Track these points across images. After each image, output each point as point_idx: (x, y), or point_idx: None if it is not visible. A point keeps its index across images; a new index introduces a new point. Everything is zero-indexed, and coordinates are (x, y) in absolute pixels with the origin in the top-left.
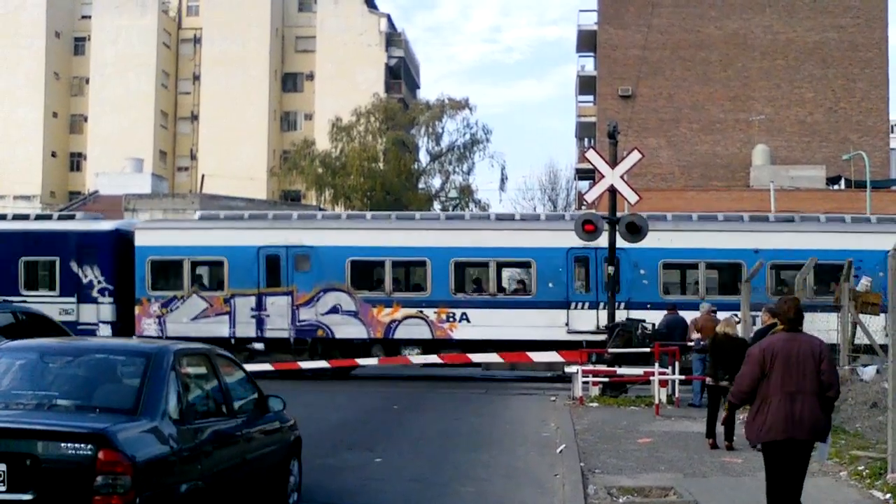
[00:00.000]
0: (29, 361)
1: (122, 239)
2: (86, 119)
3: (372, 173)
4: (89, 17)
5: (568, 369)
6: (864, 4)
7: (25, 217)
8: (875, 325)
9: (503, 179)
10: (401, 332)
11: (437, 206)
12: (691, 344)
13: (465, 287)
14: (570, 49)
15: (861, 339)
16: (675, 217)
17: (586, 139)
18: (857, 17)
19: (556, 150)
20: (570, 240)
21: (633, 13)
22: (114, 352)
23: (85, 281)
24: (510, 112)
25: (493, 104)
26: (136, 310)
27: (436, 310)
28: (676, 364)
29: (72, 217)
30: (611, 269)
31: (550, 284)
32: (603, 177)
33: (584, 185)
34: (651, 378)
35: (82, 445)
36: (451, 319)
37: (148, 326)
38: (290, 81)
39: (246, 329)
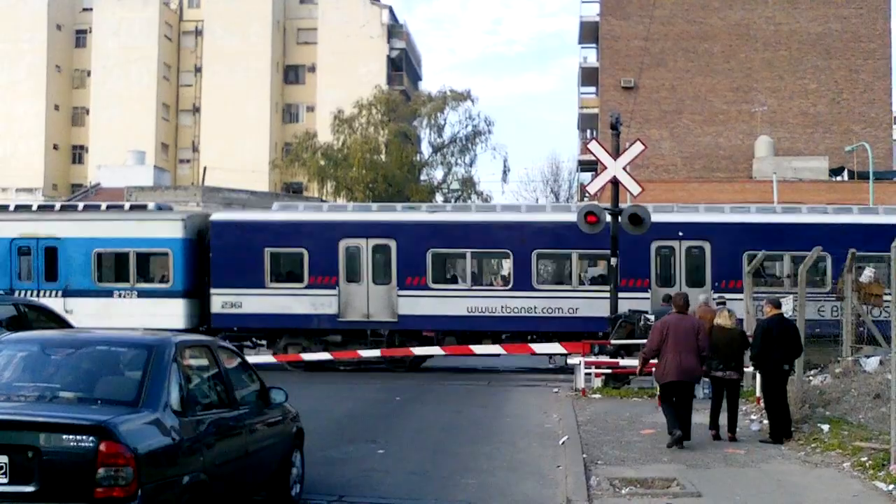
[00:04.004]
0: (31, 353)
1: None
2: (87, 111)
3: (374, 165)
4: (90, 9)
5: (570, 361)
6: None
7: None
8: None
9: (505, 171)
10: None
11: (438, 197)
12: None
13: None
14: (572, 41)
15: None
16: None
17: (588, 131)
18: (860, 8)
19: (559, 141)
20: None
21: (635, 4)
22: (115, 343)
23: None
24: (512, 104)
25: (496, 96)
26: None
27: None
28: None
29: None
30: (614, 261)
31: None
32: (605, 168)
33: (587, 176)
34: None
35: (84, 437)
36: None
37: None
38: (291, 73)
39: None
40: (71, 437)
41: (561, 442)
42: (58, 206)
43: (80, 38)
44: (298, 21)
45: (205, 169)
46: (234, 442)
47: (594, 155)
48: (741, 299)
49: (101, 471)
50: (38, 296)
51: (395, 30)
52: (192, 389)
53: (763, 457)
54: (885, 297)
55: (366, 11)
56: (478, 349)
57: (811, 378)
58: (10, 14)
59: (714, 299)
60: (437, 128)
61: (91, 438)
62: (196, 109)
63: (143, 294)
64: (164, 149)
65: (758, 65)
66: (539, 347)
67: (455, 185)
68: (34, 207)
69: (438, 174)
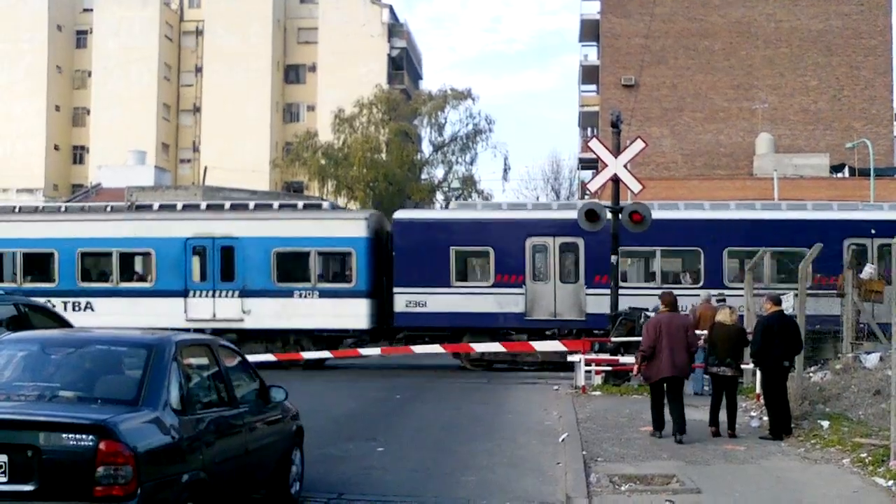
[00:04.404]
0: (31, 353)
1: None
2: (88, 112)
3: (375, 164)
4: (91, 9)
5: (571, 358)
6: None
7: None
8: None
9: (506, 170)
10: None
11: (439, 196)
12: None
13: None
14: (572, 39)
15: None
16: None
17: (589, 129)
18: (861, 5)
19: (559, 140)
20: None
21: (636, 2)
22: (115, 343)
23: None
24: (512, 102)
25: (496, 94)
26: None
27: None
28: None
29: None
30: (614, 259)
31: None
32: (606, 166)
33: (587, 174)
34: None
35: (84, 436)
36: None
37: None
38: (292, 73)
39: None
40: (71, 435)
41: (561, 439)
42: (227, 204)
43: (81, 38)
44: (299, 20)
45: (205, 169)
46: (234, 440)
47: (595, 153)
48: None
49: (100, 469)
50: (213, 296)
51: (395, 29)
52: (192, 388)
53: (763, 453)
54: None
55: (366, 10)
56: (477, 346)
57: (811, 374)
58: (10, 14)
59: (714, 296)
60: (438, 126)
61: (91, 437)
62: (197, 109)
63: (324, 294)
64: (165, 149)
65: (758, 62)
66: (539, 345)
67: (456, 184)
68: (203, 206)
69: (439, 173)
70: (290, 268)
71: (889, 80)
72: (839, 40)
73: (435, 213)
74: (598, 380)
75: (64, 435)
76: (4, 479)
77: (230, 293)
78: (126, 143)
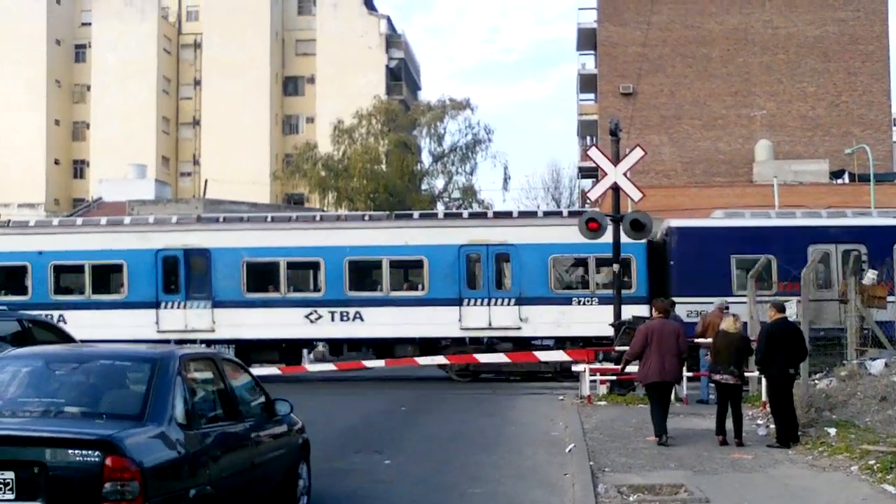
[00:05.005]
0: (35, 368)
1: None
2: (88, 126)
3: (375, 175)
4: (89, 24)
5: (575, 368)
6: None
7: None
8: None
9: (506, 179)
10: None
11: (439, 206)
12: (699, 341)
13: None
14: (570, 48)
15: None
16: None
17: (588, 137)
18: (858, 11)
19: (559, 148)
20: None
21: (632, 10)
22: (119, 358)
23: None
24: (511, 112)
25: (494, 104)
26: None
27: None
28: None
29: None
30: (616, 268)
31: None
32: (606, 174)
33: (587, 183)
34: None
35: (90, 452)
36: None
37: None
38: (291, 85)
39: None
40: (77, 451)
41: (567, 450)
42: (490, 212)
43: (80, 52)
44: (297, 32)
45: (206, 182)
46: (240, 454)
47: (594, 161)
48: None
49: (107, 485)
50: (489, 305)
51: (393, 40)
52: (197, 402)
53: (770, 461)
54: (889, 299)
55: (364, 22)
56: (481, 357)
57: (816, 382)
58: (9, 29)
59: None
60: (437, 137)
61: (97, 453)
62: (196, 122)
63: (604, 301)
64: (165, 162)
65: (756, 69)
66: (544, 355)
67: (456, 194)
68: (464, 215)
69: (439, 183)
70: (568, 274)
71: (886, 86)
72: (836, 46)
73: (712, 220)
74: (603, 389)
75: (70, 451)
76: (12, 497)
77: (506, 301)
78: (126, 157)
